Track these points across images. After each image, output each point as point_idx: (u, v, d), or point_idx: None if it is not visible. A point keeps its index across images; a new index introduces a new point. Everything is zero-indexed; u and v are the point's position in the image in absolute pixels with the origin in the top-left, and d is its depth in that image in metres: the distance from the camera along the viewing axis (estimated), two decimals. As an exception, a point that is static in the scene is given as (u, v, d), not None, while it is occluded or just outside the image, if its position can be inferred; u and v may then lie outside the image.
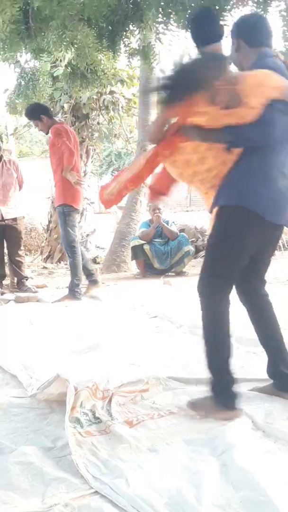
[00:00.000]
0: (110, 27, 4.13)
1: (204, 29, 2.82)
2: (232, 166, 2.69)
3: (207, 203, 2.88)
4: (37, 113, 6.04)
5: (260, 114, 2.44)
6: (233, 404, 2.64)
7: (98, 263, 9.54)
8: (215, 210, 2.74)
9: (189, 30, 2.91)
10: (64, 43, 4.00)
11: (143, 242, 8.31)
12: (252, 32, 2.76)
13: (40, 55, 4.45)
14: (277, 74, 2.54)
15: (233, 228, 2.70)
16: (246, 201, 2.64)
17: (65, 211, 6.14)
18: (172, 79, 2.55)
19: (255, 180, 2.63)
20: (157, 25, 4.06)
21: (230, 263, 2.76)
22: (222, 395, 2.66)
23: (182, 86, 2.50)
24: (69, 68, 5.26)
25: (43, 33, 4.15)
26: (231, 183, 2.69)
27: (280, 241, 9.36)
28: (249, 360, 3.52)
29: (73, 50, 4.15)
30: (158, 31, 4.17)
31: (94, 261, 9.71)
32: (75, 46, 4.06)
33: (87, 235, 10.37)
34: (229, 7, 3.73)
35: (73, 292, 6.18)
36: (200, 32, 2.84)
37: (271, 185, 2.64)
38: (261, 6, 3.67)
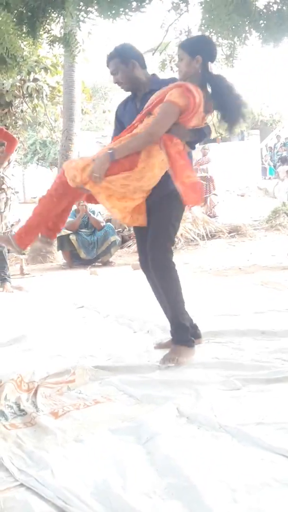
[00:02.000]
0: (30, 13, 4.04)
1: None
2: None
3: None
4: None
5: None
6: (192, 343, 3.37)
7: (24, 253, 9.40)
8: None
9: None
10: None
11: (69, 232, 8.25)
12: (141, 56, 3.40)
13: None
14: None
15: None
16: None
17: None
18: None
19: None
20: (77, 13, 4.01)
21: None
22: (184, 335, 3.37)
23: None
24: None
25: None
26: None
27: (203, 231, 9.55)
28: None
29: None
30: (79, 19, 4.12)
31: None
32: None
33: (12, 225, 10.20)
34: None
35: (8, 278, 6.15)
36: None
37: None
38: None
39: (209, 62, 3.15)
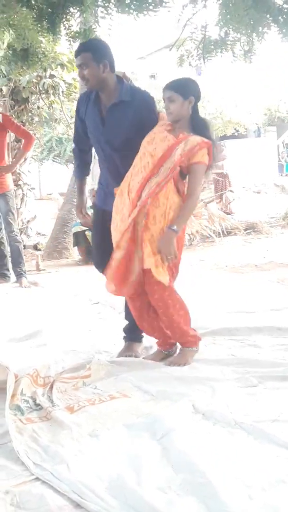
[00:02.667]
0: (49, 9, 4.05)
1: None
2: None
3: None
4: None
5: None
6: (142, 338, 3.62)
7: (40, 249, 9.43)
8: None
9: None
10: (3, 25, 3.89)
11: (85, 228, 8.23)
12: (113, 58, 3.24)
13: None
14: None
15: None
16: None
17: (13, 196, 6.18)
18: None
19: None
20: (96, 8, 4.00)
21: None
22: (138, 333, 3.56)
23: None
24: (9, 50, 5.13)
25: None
26: None
27: (219, 228, 9.52)
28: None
29: (11, 32, 4.05)
30: (97, 15, 4.11)
31: (35, 247, 9.60)
32: (14, 28, 3.95)
33: (28, 221, 10.23)
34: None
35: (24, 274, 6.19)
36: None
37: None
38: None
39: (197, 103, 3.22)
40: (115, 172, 3.34)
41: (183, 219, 3.16)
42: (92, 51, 3.17)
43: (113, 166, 3.36)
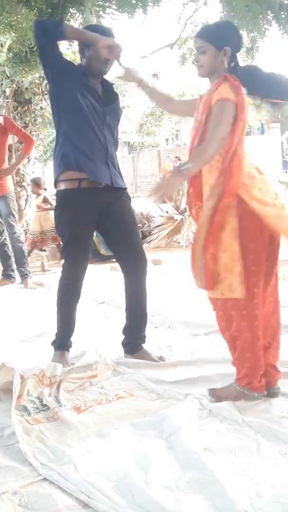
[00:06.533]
0: (49, 9, 4.05)
1: None
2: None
3: None
4: None
5: None
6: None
7: (44, 250, 9.43)
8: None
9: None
10: (2, 25, 3.90)
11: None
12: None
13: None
14: None
15: None
16: None
17: (13, 197, 6.19)
18: None
19: None
20: (97, 9, 4.00)
21: None
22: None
23: None
24: (10, 53, 5.14)
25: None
26: None
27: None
28: (194, 343, 3.59)
29: (12, 33, 4.05)
30: (99, 15, 4.12)
31: (40, 248, 9.59)
32: (14, 28, 3.96)
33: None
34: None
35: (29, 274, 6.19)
36: None
37: None
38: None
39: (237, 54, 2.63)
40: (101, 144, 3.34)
41: (194, 160, 2.52)
42: None
43: (102, 138, 3.33)
